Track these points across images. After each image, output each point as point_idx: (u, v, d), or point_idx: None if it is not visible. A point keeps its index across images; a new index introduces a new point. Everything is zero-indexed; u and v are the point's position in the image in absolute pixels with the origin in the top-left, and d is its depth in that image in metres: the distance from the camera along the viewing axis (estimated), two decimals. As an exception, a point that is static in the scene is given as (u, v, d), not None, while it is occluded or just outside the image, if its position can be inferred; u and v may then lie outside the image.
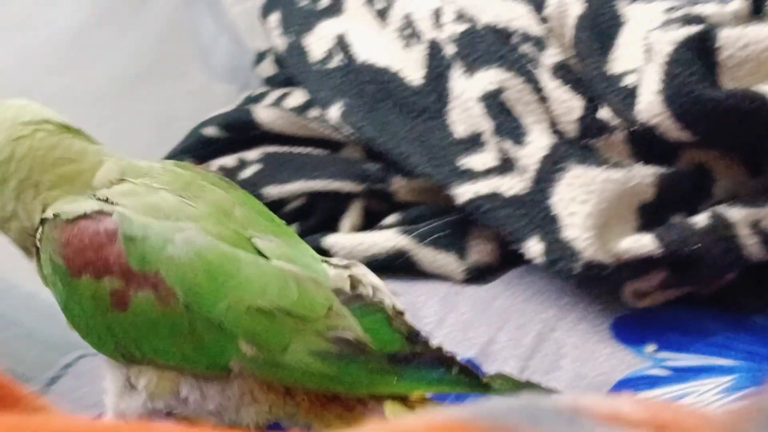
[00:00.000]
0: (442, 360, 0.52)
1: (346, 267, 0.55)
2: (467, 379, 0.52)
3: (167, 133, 1.08)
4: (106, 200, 0.52)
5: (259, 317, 0.50)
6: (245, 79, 1.32)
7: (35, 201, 0.53)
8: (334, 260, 0.57)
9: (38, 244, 0.53)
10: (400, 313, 0.54)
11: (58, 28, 1.20)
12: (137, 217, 0.51)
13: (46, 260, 0.52)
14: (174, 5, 1.40)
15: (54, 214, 0.51)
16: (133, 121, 1.19)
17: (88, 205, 0.52)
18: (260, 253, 0.52)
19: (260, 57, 1.07)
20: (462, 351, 0.66)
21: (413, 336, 0.53)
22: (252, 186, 0.83)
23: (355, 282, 0.54)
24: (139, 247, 0.50)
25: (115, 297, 0.50)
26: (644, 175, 0.67)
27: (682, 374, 0.60)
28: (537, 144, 0.70)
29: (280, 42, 0.95)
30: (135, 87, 1.24)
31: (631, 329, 0.65)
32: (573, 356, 0.64)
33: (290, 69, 0.92)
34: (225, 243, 0.51)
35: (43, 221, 0.52)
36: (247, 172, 0.86)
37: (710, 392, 0.59)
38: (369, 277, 0.55)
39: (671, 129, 0.65)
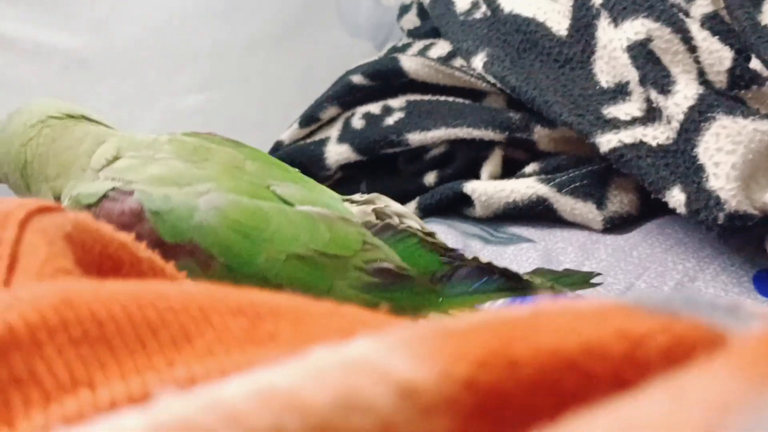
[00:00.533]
0: (481, 270, 0.52)
1: (367, 202, 0.56)
2: (510, 283, 0.52)
3: (310, 84, 1.10)
4: (113, 179, 0.52)
5: (297, 264, 0.50)
6: (384, 36, 1.34)
7: (48, 194, 0.54)
8: (355, 197, 0.57)
9: None
10: (431, 234, 0.54)
11: None
12: (156, 190, 0.51)
13: None
14: None
15: (71, 200, 0.52)
16: (280, 71, 1.24)
17: (104, 186, 0.52)
18: (283, 200, 0.53)
19: (404, 9, 1.08)
20: (600, 296, 0.66)
21: (449, 252, 0.53)
22: (396, 132, 0.85)
23: (380, 214, 0.54)
24: (167, 219, 0.50)
25: None
26: (795, 127, 0.65)
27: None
28: (684, 94, 0.68)
29: None
30: (282, 40, 1.28)
31: (774, 282, 0.64)
32: (713, 306, 0.63)
33: (435, 20, 0.93)
34: (245, 196, 0.52)
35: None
36: (391, 119, 0.87)
37: None
38: (393, 207, 0.56)
39: None
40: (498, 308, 0.20)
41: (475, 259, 0.52)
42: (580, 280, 0.58)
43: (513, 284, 0.52)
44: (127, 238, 0.31)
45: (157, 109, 1.17)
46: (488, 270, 0.52)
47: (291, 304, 0.24)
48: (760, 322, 0.20)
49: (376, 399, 0.16)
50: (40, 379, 0.20)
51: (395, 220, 0.54)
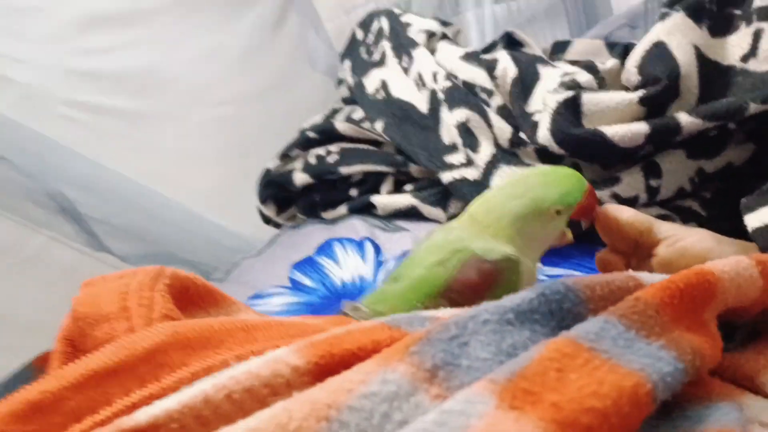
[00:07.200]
0: None
1: None
2: None
3: (296, 109, 1.19)
4: None
5: None
6: (336, 72, 1.41)
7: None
8: None
9: None
10: None
11: (234, 47, 1.28)
12: None
13: None
14: (296, 28, 1.46)
15: None
16: (276, 102, 1.30)
17: None
18: None
19: (339, 82, 1.12)
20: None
21: None
22: (333, 166, 0.93)
23: None
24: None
25: None
26: (542, 170, 0.76)
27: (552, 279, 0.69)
28: (485, 152, 0.77)
29: (350, 79, 1.03)
30: (278, 82, 1.33)
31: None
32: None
33: (355, 97, 1.00)
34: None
35: None
36: (330, 158, 0.94)
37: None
38: None
39: (555, 148, 0.72)
40: (338, 330, 0.29)
41: None
42: None
43: None
44: (200, 279, 0.39)
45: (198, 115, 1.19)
46: None
47: (262, 322, 0.33)
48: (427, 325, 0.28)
49: (282, 369, 0.25)
50: (170, 363, 0.28)
51: None
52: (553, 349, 0.26)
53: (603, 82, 0.80)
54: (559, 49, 1.24)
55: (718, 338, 0.34)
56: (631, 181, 0.74)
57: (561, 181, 0.53)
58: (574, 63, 1.00)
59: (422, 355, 0.26)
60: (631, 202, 0.73)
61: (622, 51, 0.85)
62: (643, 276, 0.37)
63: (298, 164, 0.98)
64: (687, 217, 0.75)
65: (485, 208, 0.54)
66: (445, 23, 1.08)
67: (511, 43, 1.14)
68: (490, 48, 1.14)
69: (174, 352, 0.30)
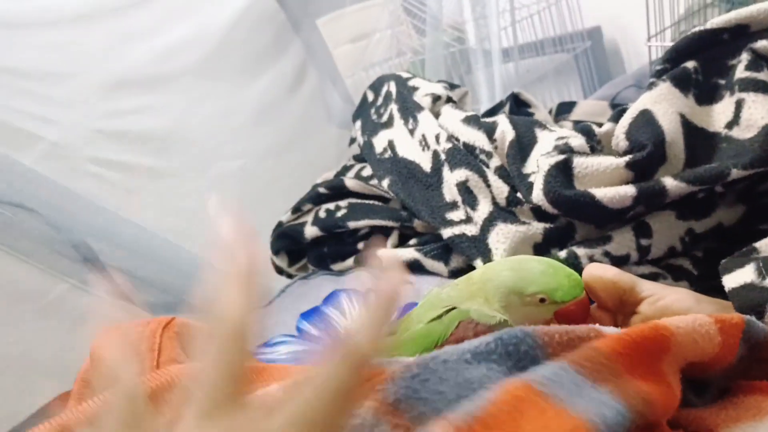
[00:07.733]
0: None
1: None
2: None
3: (312, 162, 1.22)
4: None
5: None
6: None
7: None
8: None
9: None
10: None
11: (253, 103, 1.33)
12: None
13: None
14: (315, 83, 1.52)
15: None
16: (291, 156, 1.33)
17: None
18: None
19: (352, 140, 1.17)
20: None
21: None
22: (342, 220, 0.96)
23: None
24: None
25: None
26: (537, 227, 0.77)
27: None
28: (483, 210, 0.79)
29: (360, 138, 1.08)
30: (295, 136, 1.37)
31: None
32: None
33: (364, 156, 1.04)
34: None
35: None
36: (339, 213, 0.97)
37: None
38: None
39: (548, 208, 0.74)
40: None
41: None
42: None
43: None
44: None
45: (216, 170, 1.23)
46: None
47: (253, 367, 0.37)
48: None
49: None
50: (170, 401, 0.34)
51: None
52: (507, 392, 0.29)
53: (599, 144, 0.84)
54: (564, 110, 1.30)
55: (674, 388, 0.37)
56: (623, 240, 0.76)
57: (557, 277, 0.53)
58: (578, 122, 1.05)
59: (385, 393, 0.29)
60: (623, 259, 0.76)
61: (617, 115, 0.89)
62: (607, 329, 0.40)
63: (309, 218, 1.02)
64: (679, 275, 0.77)
65: (484, 270, 0.58)
66: (452, 86, 1.13)
67: (517, 103, 1.20)
68: (497, 108, 1.20)
69: (173, 393, 0.34)
